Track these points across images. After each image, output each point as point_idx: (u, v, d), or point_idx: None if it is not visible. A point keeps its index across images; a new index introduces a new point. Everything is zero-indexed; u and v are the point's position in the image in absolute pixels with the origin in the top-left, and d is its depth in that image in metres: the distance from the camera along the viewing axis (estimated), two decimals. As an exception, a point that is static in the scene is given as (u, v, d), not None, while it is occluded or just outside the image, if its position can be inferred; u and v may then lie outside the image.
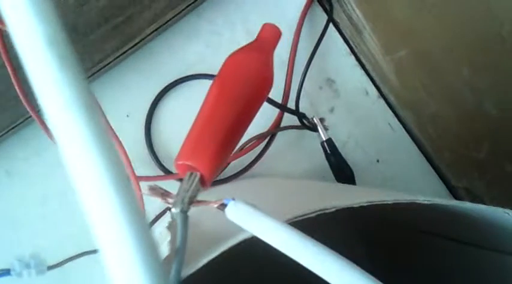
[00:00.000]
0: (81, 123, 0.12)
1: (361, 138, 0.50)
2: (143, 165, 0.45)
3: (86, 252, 0.37)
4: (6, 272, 0.36)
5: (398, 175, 0.51)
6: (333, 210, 0.22)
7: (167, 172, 0.45)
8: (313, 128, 0.47)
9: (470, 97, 0.46)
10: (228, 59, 0.29)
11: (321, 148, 0.47)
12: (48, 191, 0.44)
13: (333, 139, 0.47)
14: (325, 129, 0.47)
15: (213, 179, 0.24)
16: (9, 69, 0.40)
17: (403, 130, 0.51)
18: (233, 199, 0.22)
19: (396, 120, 0.51)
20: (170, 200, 0.22)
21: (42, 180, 0.44)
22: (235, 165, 0.46)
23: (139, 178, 0.35)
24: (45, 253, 0.37)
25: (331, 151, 0.47)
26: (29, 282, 0.39)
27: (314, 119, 0.47)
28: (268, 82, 0.28)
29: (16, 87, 0.40)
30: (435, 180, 0.51)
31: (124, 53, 0.43)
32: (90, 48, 0.40)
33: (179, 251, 0.20)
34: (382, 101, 0.51)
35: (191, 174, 0.23)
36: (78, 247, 0.37)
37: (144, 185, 0.28)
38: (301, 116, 0.47)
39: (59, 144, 0.13)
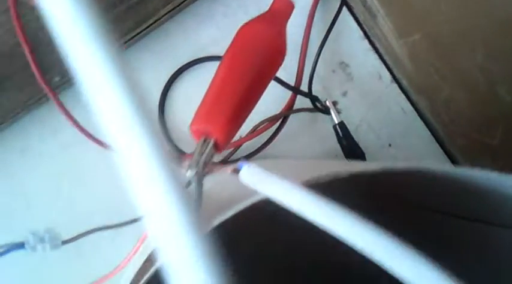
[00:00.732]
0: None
1: (373, 122, 0.50)
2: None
3: (100, 228, 0.38)
4: (20, 245, 0.36)
5: (410, 160, 0.50)
6: (347, 174, 0.22)
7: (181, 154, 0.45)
8: (326, 111, 0.47)
9: (483, 82, 0.45)
10: (241, 28, 0.29)
11: (333, 132, 0.47)
12: (62, 170, 0.44)
13: (345, 122, 0.47)
14: (338, 112, 0.47)
15: (227, 144, 0.25)
16: (25, 47, 0.40)
17: (416, 114, 0.51)
18: (247, 162, 0.22)
19: (409, 104, 0.51)
20: (185, 163, 0.23)
21: (56, 160, 0.44)
22: (247, 147, 0.46)
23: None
24: (60, 228, 0.37)
25: (344, 135, 0.47)
26: (43, 256, 0.39)
27: (327, 102, 0.47)
28: (281, 50, 0.28)
29: (32, 66, 0.41)
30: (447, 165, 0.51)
31: (138, 33, 0.43)
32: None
33: (195, 209, 0.20)
34: (395, 85, 0.50)
35: (205, 139, 0.23)
36: (92, 222, 0.37)
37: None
38: (314, 99, 0.47)
39: (83, 85, 0.13)
